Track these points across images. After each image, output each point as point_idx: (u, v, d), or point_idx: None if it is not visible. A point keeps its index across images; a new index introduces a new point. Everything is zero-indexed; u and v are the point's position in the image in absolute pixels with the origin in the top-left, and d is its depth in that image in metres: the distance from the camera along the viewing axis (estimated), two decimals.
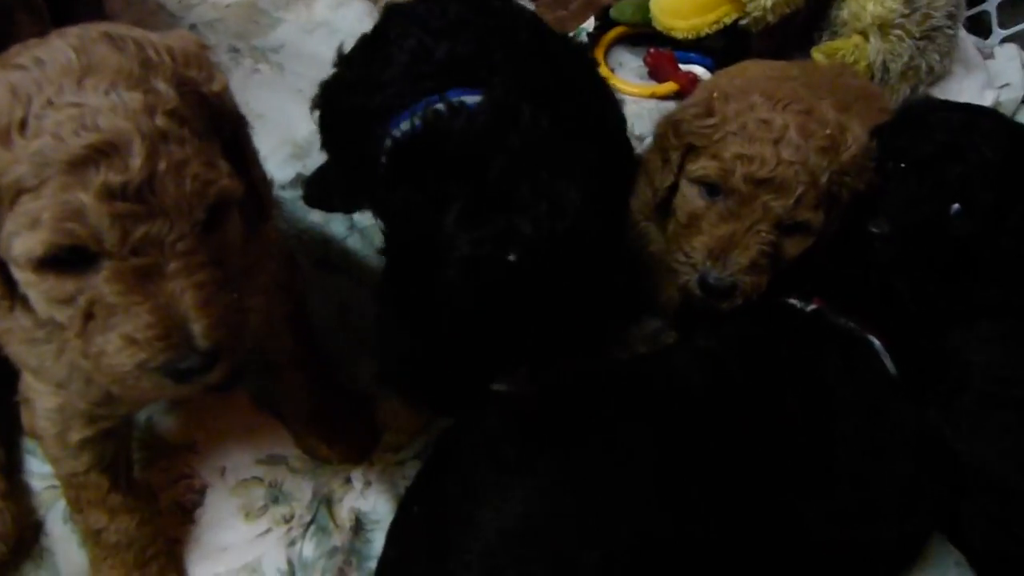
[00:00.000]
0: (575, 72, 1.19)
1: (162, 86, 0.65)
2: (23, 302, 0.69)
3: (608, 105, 1.25)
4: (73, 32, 0.67)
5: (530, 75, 1.07)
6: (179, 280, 0.65)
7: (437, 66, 1.08)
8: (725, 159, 1.04)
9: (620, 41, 1.73)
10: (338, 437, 1.08)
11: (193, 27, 1.60)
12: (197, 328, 0.65)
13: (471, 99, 1.00)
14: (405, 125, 1.02)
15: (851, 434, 0.96)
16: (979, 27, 1.96)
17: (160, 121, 0.63)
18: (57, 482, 0.98)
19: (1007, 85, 1.76)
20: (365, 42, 1.21)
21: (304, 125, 1.36)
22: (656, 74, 1.64)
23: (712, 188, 1.07)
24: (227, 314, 0.68)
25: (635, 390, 0.95)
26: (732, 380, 0.95)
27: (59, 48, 0.64)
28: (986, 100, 1.66)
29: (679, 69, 1.60)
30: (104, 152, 0.60)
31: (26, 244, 0.61)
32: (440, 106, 0.99)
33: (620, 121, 1.28)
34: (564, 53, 1.21)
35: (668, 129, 1.14)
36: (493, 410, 0.97)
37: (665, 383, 0.95)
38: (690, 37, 1.58)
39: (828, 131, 1.06)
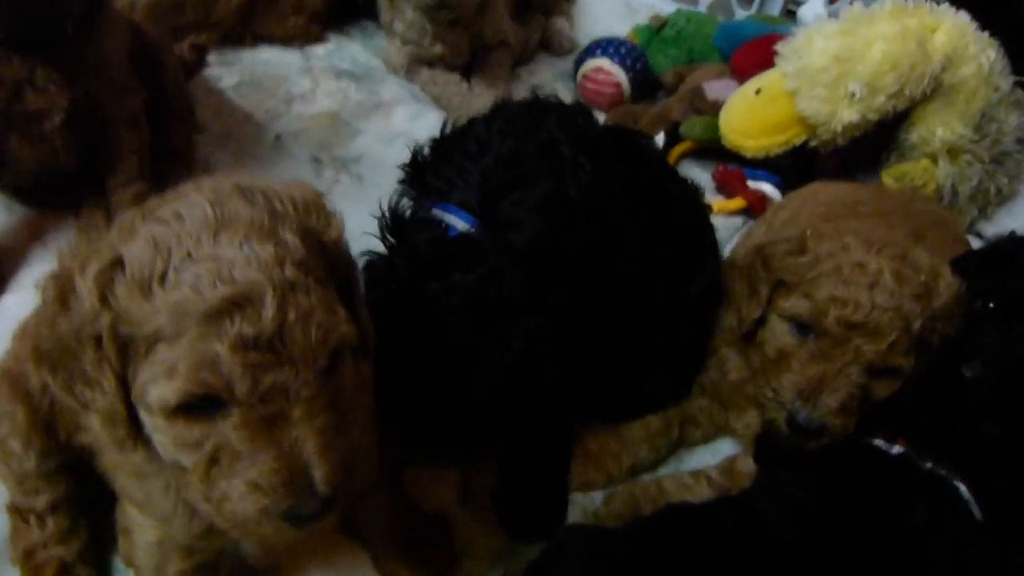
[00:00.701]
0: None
1: (290, 237, 0.68)
2: (142, 441, 0.71)
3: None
4: (208, 186, 0.71)
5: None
6: (303, 427, 0.66)
7: None
8: (818, 300, 1.05)
9: (688, 155, 1.78)
10: (419, 562, 1.09)
11: (278, 137, 1.67)
12: (319, 475, 0.66)
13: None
14: None
15: None
16: None
17: (289, 272, 0.66)
18: None
19: None
20: None
21: None
22: (724, 190, 1.67)
23: (803, 327, 1.08)
24: (343, 458, 0.69)
25: (720, 539, 0.94)
26: (820, 531, 0.94)
27: (197, 203, 0.68)
28: None
29: (747, 186, 1.63)
30: (239, 304, 0.63)
31: (162, 392, 0.64)
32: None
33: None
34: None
35: (757, 261, 1.16)
36: (582, 546, 0.98)
37: (752, 533, 0.95)
38: (759, 156, 1.62)
39: (923, 278, 1.07)
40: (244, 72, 1.82)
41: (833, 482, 1.02)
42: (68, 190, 1.45)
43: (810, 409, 1.04)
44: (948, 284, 1.10)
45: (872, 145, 1.66)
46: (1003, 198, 1.64)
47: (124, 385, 0.67)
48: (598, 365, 1.16)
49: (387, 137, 1.72)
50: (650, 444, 1.25)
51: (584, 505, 1.21)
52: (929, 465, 1.04)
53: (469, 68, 1.90)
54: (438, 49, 1.81)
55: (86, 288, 0.65)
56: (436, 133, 1.70)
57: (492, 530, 1.15)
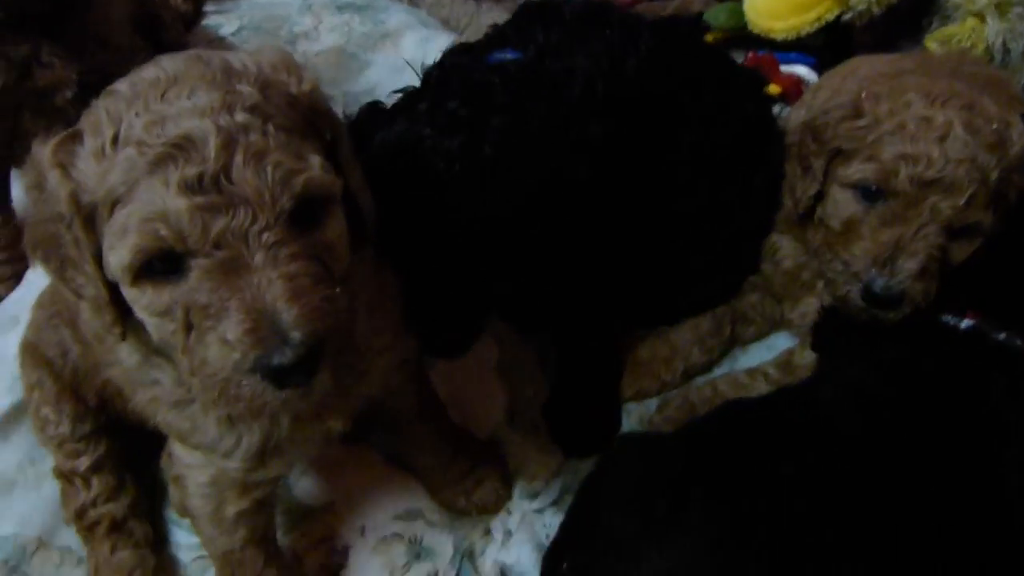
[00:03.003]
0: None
1: (245, 88, 0.66)
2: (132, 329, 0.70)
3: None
4: (165, 56, 0.69)
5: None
6: (266, 271, 0.62)
7: None
8: (885, 160, 0.98)
9: (723, 45, 1.67)
10: (473, 487, 1.06)
11: None
12: (287, 318, 0.62)
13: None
14: None
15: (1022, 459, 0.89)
16: None
17: (239, 117, 0.63)
18: (204, 553, 1.00)
19: None
20: None
21: None
22: None
23: (870, 192, 1.01)
24: (325, 306, 0.64)
25: (784, 434, 0.89)
26: (888, 416, 0.88)
27: (148, 69, 0.67)
28: None
29: (781, 72, 1.53)
30: (181, 147, 0.61)
31: (119, 255, 0.62)
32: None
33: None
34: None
35: (806, 135, 1.09)
36: (636, 455, 0.94)
37: (817, 424, 0.89)
38: (790, 38, 1.52)
39: (994, 126, 0.99)
40: (243, 17, 1.77)
41: (899, 363, 0.96)
42: None
43: (888, 276, 0.97)
44: (1021, 132, 1.02)
45: (910, 12, 1.55)
46: None
47: (100, 263, 0.65)
48: (651, 260, 1.11)
49: (398, 66, 1.64)
50: (701, 346, 1.20)
51: (640, 414, 1.16)
52: (1003, 336, 0.98)
53: None
54: None
55: (48, 165, 0.64)
56: None
57: (545, 448, 1.11)
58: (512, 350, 1.21)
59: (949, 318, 1.01)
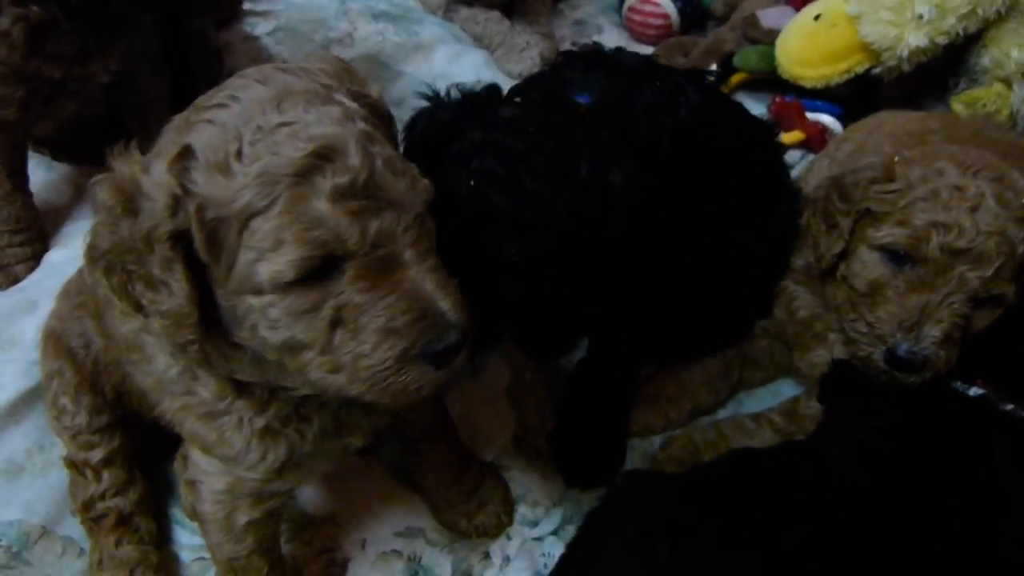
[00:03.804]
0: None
1: (346, 99, 0.69)
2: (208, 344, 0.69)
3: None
4: (247, 72, 0.71)
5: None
6: (417, 266, 0.67)
7: None
8: (917, 227, 0.99)
9: (743, 87, 1.70)
10: (476, 510, 1.07)
11: None
12: (446, 304, 0.67)
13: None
14: None
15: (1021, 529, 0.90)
16: None
17: (361, 125, 0.66)
18: (205, 554, 1.01)
19: None
20: None
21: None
22: (782, 123, 1.59)
23: (898, 256, 1.02)
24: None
25: (791, 489, 0.91)
26: (893, 478, 0.89)
27: (245, 85, 0.68)
28: None
29: (806, 119, 1.55)
30: (326, 157, 0.63)
31: (274, 267, 0.63)
32: None
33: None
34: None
35: (834, 193, 1.10)
36: (641, 494, 0.95)
37: (824, 481, 0.90)
38: (818, 86, 1.54)
39: (1023, 200, 1.00)
40: (280, 18, 1.78)
41: (907, 425, 0.97)
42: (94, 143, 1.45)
43: (912, 341, 0.98)
44: None
45: (940, 72, 1.57)
46: None
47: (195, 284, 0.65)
48: (670, 302, 1.12)
49: (429, 78, 1.66)
50: (709, 387, 1.21)
51: (643, 450, 1.18)
52: (1010, 407, 1.00)
53: (510, 5, 1.82)
54: None
55: (158, 184, 0.63)
56: (479, 72, 1.65)
57: (549, 476, 1.13)
58: (522, 377, 1.22)
59: (959, 384, 1.03)
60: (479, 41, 1.78)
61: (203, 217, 0.63)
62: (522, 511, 1.10)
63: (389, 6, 1.83)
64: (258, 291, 0.65)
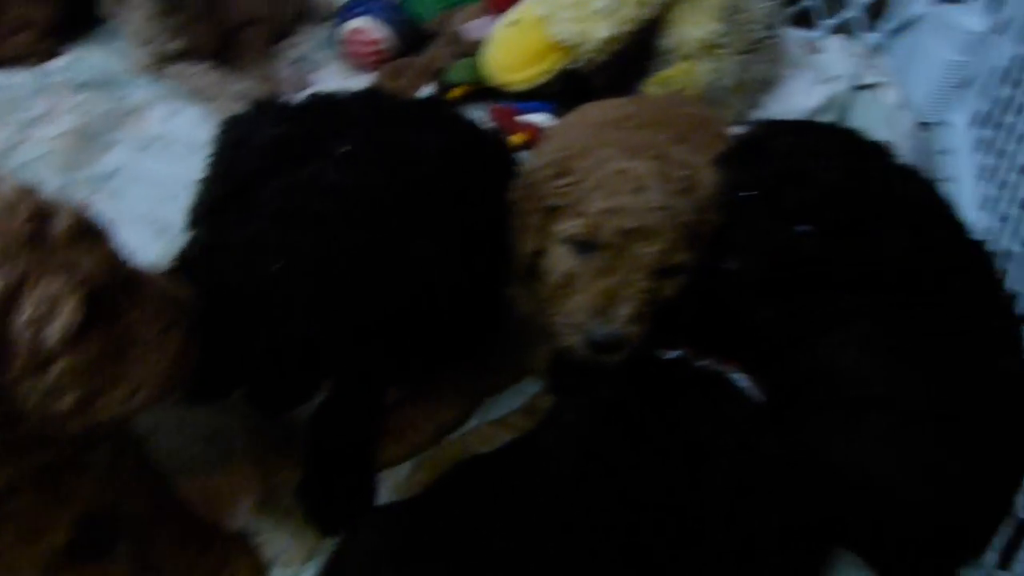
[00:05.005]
0: None
1: None
2: None
3: None
4: None
5: None
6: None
7: None
8: (592, 215, 1.04)
9: (465, 100, 1.73)
10: None
11: (19, 168, 1.53)
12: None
13: None
14: None
15: (720, 478, 0.96)
16: (806, 22, 2.03)
17: None
18: None
19: (837, 77, 1.81)
20: None
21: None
22: (503, 129, 1.64)
23: (583, 245, 1.06)
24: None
25: (508, 488, 0.93)
26: (598, 455, 0.94)
27: None
28: (817, 96, 1.72)
29: (521, 121, 1.60)
30: None
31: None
32: None
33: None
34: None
35: (523, 193, 1.14)
36: (370, 528, 0.95)
37: (536, 474, 0.93)
38: (525, 89, 1.59)
39: (685, 172, 1.08)
40: None
41: (605, 400, 1.01)
42: None
43: (605, 324, 1.03)
44: (708, 175, 1.12)
45: (639, 57, 1.66)
46: (766, 84, 1.67)
47: None
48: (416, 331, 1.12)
49: (143, 143, 1.61)
50: (450, 404, 1.22)
51: (395, 480, 1.17)
52: (704, 363, 1.06)
53: (222, 54, 1.78)
54: (180, 44, 1.69)
55: None
56: (197, 131, 1.61)
57: (300, 532, 1.10)
58: (260, 435, 1.19)
59: (662, 352, 1.09)
60: (196, 95, 1.72)
61: None
62: (276, 574, 1.07)
63: (94, 74, 1.74)
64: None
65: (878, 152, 1.22)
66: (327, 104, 1.21)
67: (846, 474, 1.09)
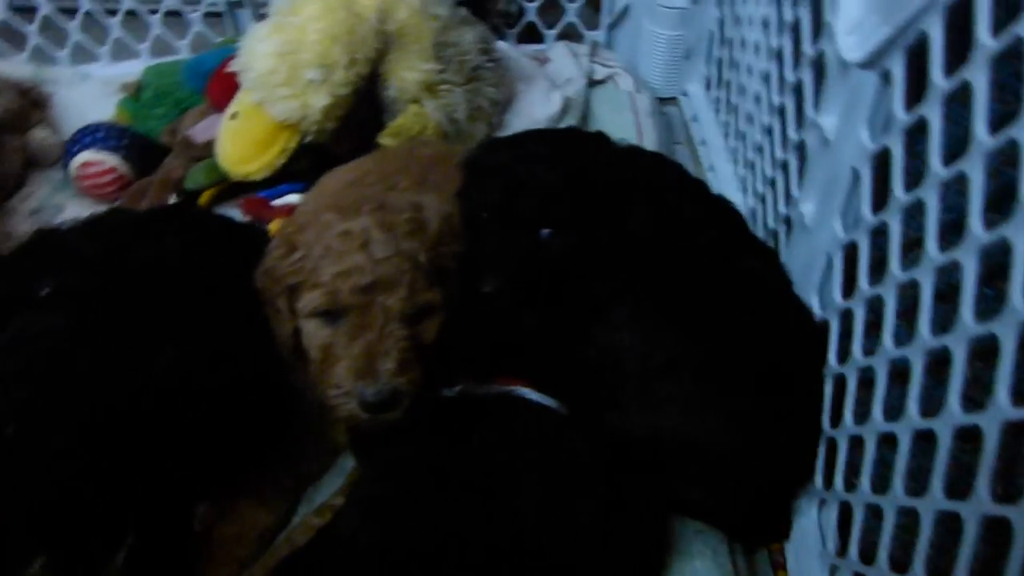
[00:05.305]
0: None
1: None
2: None
3: None
4: None
5: None
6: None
7: None
8: (327, 283, 1.03)
9: (220, 200, 1.69)
10: None
11: None
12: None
13: None
14: None
15: (532, 494, 0.96)
16: (535, 35, 2.12)
17: None
18: None
19: (569, 80, 1.90)
20: None
21: None
22: (259, 219, 1.61)
23: (329, 314, 1.06)
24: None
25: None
26: (399, 525, 0.92)
27: None
28: (556, 102, 1.79)
29: (274, 207, 1.58)
30: None
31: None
32: None
33: None
34: None
35: (264, 279, 1.12)
36: None
37: (344, 560, 0.90)
38: (268, 175, 1.57)
39: (407, 215, 1.09)
40: None
41: (393, 457, 1.00)
42: None
43: (372, 384, 1.01)
44: (433, 210, 1.13)
45: (373, 113, 1.68)
46: (503, 104, 1.73)
47: None
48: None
49: None
50: (267, 508, 1.17)
51: None
52: (486, 388, 1.06)
53: None
54: None
55: None
56: None
57: None
58: None
59: (446, 390, 1.09)
60: None
61: None
62: None
63: None
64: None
65: (596, 143, 1.27)
66: (45, 242, 1.16)
67: (656, 446, 1.12)
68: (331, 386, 1.04)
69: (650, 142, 1.80)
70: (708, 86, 2.07)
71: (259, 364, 1.18)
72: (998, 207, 0.80)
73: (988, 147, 0.80)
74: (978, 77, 0.82)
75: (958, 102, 0.86)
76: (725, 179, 1.80)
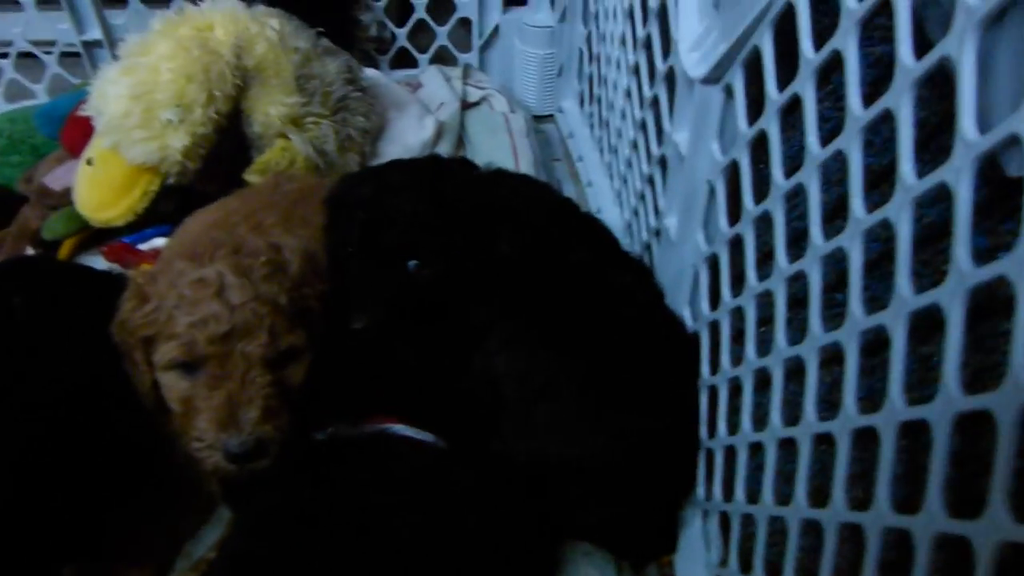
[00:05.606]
0: None
1: None
2: None
3: None
4: None
5: None
6: None
7: None
8: (181, 334, 0.99)
9: (83, 249, 1.62)
10: None
11: None
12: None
13: None
14: None
15: (408, 533, 0.94)
16: (409, 61, 2.11)
17: None
18: None
19: (442, 105, 1.89)
20: None
21: None
22: (125, 265, 1.55)
23: (186, 366, 1.01)
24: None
25: None
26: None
27: None
28: (429, 127, 1.78)
29: (140, 251, 1.52)
30: None
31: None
32: None
33: None
34: None
35: (119, 332, 1.07)
36: None
37: None
38: (131, 220, 1.51)
39: (264, 258, 1.05)
40: None
41: (264, 506, 0.97)
42: None
43: (235, 434, 0.98)
44: (293, 250, 1.10)
45: (240, 150, 1.63)
46: (371, 135, 1.71)
47: None
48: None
49: None
50: (139, 567, 1.12)
51: None
52: (359, 428, 1.04)
53: None
54: None
55: None
56: None
57: None
58: None
59: (317, 434, 1.06)
60: None
61: None
62: None
63: None
64: None
65: (459, 168, 1.27)
66: None
67: (540, 470, 1.11)
68: (194, 439, 1.00)
69: (526, 162, 1.81)
70: (582, 102, 2.10)
71: (117, 420, 1.13)
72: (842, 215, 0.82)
73: (821, 158, 0.83)
74: (807, 89, 0.84)
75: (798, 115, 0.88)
76: (603, 193, 1.82)
